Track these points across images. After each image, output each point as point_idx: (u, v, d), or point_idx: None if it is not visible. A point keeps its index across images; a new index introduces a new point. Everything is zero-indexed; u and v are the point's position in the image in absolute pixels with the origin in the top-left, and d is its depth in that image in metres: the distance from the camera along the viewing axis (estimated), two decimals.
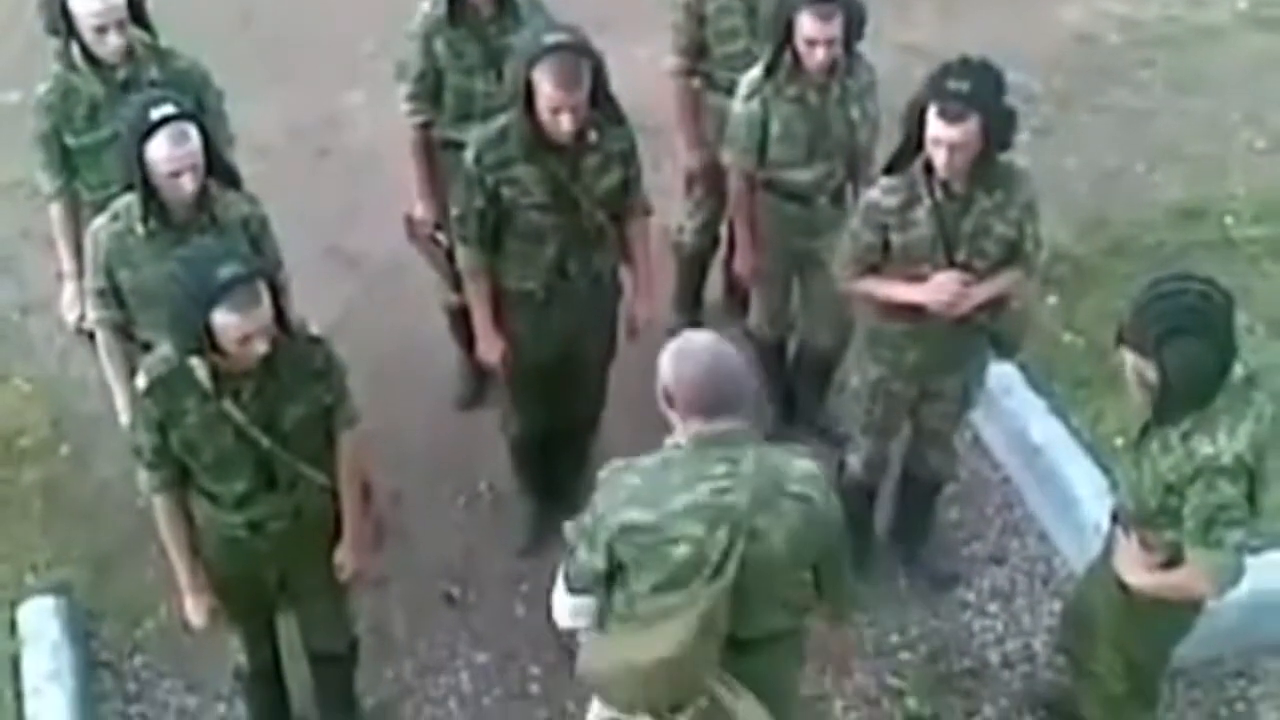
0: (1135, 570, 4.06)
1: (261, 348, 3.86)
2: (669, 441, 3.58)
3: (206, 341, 3.82)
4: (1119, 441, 5.50)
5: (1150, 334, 3.70)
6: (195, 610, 4.33)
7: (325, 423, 4.19)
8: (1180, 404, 3.75)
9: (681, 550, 3.47)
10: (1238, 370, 3.78)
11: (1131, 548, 4.06)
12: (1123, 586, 4.12)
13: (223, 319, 3.77)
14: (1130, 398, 3.95)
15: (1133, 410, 4.06)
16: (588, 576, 3.63)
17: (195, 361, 3.91)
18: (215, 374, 3.94)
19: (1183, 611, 4.16)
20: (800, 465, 3.60)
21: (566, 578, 3.70)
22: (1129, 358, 3.79)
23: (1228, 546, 3.76)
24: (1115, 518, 4.19)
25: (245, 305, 3.78)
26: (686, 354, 3.52)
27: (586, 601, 3.69)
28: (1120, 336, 3.80)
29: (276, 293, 3.93)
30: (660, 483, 3.50)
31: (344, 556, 4.37)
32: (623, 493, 3.53)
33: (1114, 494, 4.37)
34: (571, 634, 3.91)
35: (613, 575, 3.60)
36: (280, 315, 3.96)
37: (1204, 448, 3.74)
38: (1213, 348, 3.70)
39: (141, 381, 4.03)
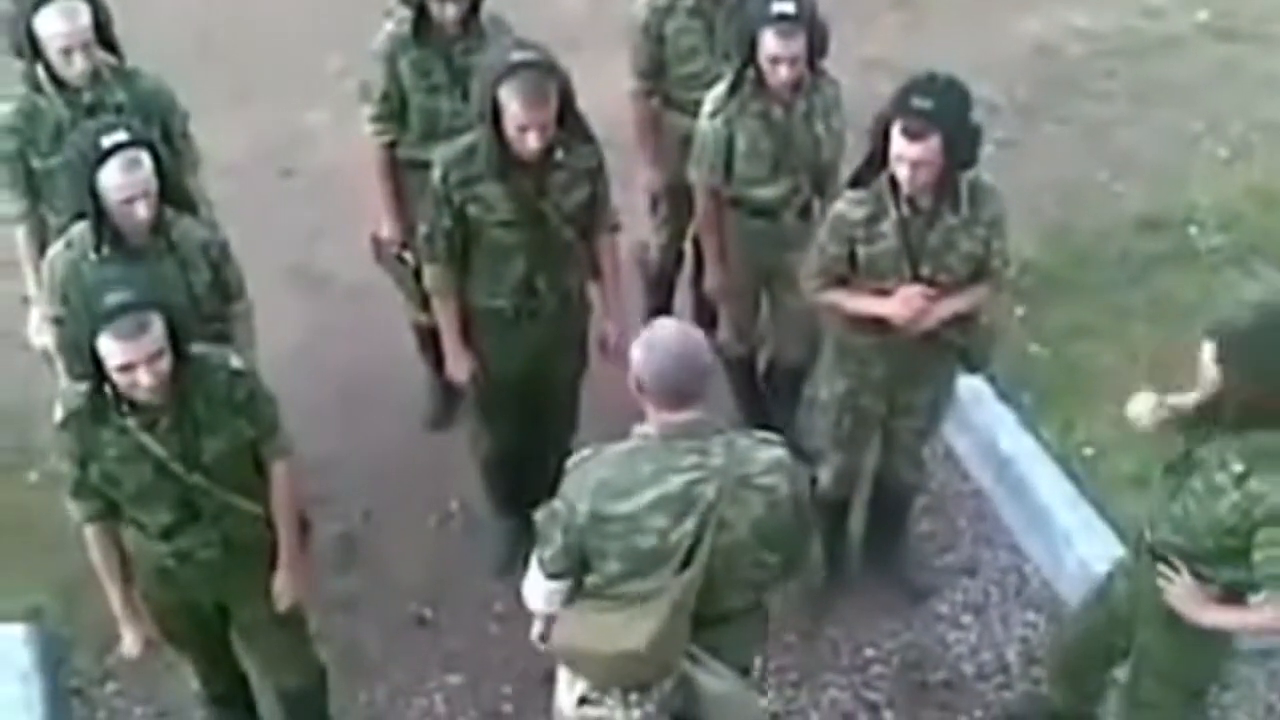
0: (1201, 609, 3.96)
1: (146, 379, 3.77)
2: (637, 430, 3.64)
3: (93, 367, 3.78)
4: (1088, 451, 5.53)
5: None
6: (130, 640, 4.28)
7: (252, 454, 4.13)
8: None
9: (649, 541, 3.54)
10: None
11: (1189, 583, 3.96)
12: (1171, 622, 4.04)
13: (105, 345, 3.73)
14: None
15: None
16: (561, 560, 3.67)
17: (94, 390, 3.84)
18: (132, 406, 3.88)
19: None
20: (767, 454, 3.67)
21: (541, 562, 3.73)
22: None
23: None
24: (1151, 552, 4.06)
25: (128, 334, 3.72)
26: (656, 344, 3.58)
27: (561, 585, 3.73)
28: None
29: (175, 326, 3.83)
30: (630, 474, 3.56)
31: (281, 586, 4.30)
32: (592, 482, 3.57)
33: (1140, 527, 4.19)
34: (544, 636, 3.90)
35: (585, 559, 3.65)
36: (178, 348, 3.84)
37: (1273, 496, 3.69)
38: None
39: (58, 414, 3.97)
